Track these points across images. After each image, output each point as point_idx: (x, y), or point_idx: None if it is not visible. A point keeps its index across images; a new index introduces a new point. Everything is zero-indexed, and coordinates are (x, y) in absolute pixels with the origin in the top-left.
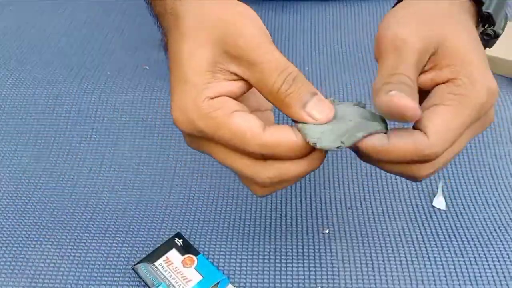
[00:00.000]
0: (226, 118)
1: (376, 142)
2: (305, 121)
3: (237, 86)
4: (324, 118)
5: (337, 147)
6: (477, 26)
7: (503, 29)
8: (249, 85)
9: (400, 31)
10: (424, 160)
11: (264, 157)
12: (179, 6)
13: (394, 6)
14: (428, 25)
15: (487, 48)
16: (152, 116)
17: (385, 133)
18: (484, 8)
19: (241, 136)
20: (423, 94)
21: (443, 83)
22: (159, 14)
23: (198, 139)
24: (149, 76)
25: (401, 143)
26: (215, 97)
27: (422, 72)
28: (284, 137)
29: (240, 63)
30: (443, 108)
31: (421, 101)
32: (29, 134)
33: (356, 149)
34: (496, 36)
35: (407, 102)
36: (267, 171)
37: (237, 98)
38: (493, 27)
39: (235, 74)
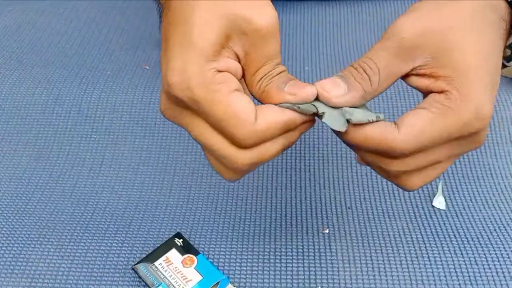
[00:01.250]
0: (227, 94)
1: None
2: (286, 100)
3: (239, 68)
4: (304, 94)
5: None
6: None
7: None
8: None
9: (401, 22)
10: (389, 152)
11: (247, 146)
12: None
13: None
14: (436, 23)
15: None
16: (152, 116)
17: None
18: None
19: (235, 118)
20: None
21: (438, 92)
22: None
23: (181, 109)
24: (149, 76)
25: (369, 130)
26: (223, 71)
27: (420, 74)
28: (274, 120)
29: (248, 49)
30: (426, 113)
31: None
32: (29, 134)
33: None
34: None
35: (320, 89)
36: (246, 155)
37: (240, 78)
38: None
39: (237, 56)
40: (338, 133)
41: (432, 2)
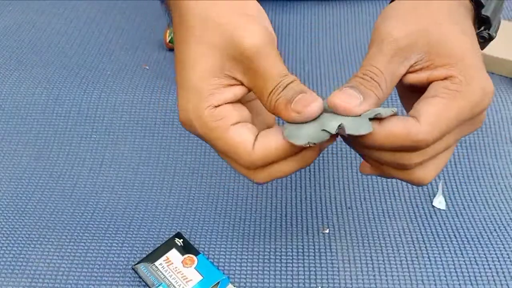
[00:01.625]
0: (224, 131)
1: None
2: (291, 118)
3: (239, 89)
4: (308, 113)
5: (306, 143)
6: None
7: (496, 32)
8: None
9: (388, 24)
10: (415, 146)
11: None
12: (183, 1)
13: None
14: (422, 21)
15: (485, 49)
16: (152, 116)
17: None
18: (483, 11)
19: (234, 151)
20: (421, 90)
21: (441, 79)
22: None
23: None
24: (149, 76)
25: (393, 127)
26: (219, 105)
27: (416, 70)
28: (272, 145)
29: (244, 71)
30: (438, 99)
31: (417, 98)
32: (29, 134)
33: (344, 136)
34: (490, 39)
35: (339, 101)
36: (260, 174)
37: (239, 99)
38: (489, 30)
39: (237, 79)
40: (356, 140)
41: (409, 4)
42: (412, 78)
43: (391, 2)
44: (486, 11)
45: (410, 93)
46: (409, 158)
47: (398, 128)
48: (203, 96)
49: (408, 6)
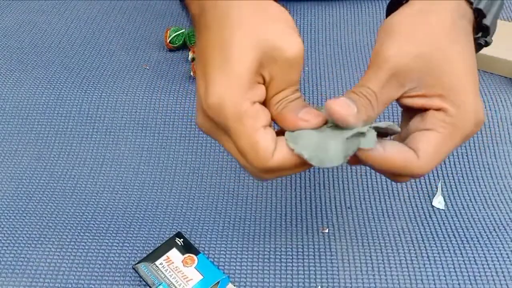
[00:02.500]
0: (254, 130)
1: (374, 151)
2: (299, 125)
3: (264, 89)
4: (315, 122)
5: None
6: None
7: (492, 37)
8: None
9: (386, 48)
10: (411, 176)
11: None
12: None
13: (390, 9)
14: (420, 44)
15: (485, 49)
16: (153, 116)
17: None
18: (484, 21)
19: (256, 154)
20: (416, 111)
21: (435, 109)
22: None
23: (217, 129)
24: (149, 76)
25: (394, 157)
26: (255, 102)
27: (411, 96)
28: (290, 157)
29: (274, 71)
30: (435, 134)
31: (411, 117)
32: (30, 134)
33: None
34: (487, 45)
35: (338, 107)
36: (269, 176)
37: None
38: (486, 37)
39: (264, 79)
40: (360, 155)
41: (409, 21)
42: (408, 102)
43: (388, 12)
44: (487, 21)
45: (407, 107)
46: (400, 178)
47: (399, 159)
48: (245, 87)
49: (409, 22)
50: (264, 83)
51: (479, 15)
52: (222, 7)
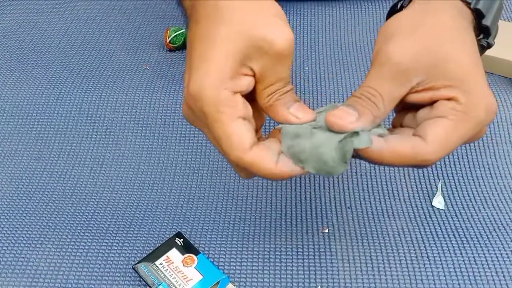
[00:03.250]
0: (230, 119)
1: (375, 145)
2: (290, 121)
3: (251, 81)
4: (305, 118)
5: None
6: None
7: (494, 39)
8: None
9: (389, 46)
10: (419, 165)
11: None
12: None
13: (390, 15)
14: (423, 41)
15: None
16: (153, 116)
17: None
18: (483, 21)
19: (228, 141)
20: (421, 105)
21: (445, 99)
22: None
23: (198, 118)
24: (149, 76)
25: (401, 147)
26: (236, 93)
27: (418, 90)
28: (263, 162)
29: (263, 63)
30: (446, 121)
31: (413, 108)
32: (30, 134)
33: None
34: (489, 46)
35: (338, 119)
36: (244, 174)
37: (248, 92)
38: (487, 38)
39: (253, 71)
40: (362, 156)
41: (409, 20)
42: (416, 98)
43: (389, 14)
44: (486, 21)
45: (405, 104)
46: (419, 165)
47: (406, 148)
48: (226, 76)
49: (409, 22)
50: (254, 76)
51: (478, 15)
52: (212, 1)
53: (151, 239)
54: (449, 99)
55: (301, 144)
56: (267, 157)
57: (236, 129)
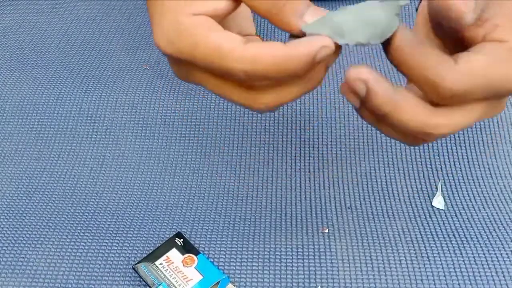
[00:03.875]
0: (205, 34)
1: (406, 37)
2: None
3: (224, 4)
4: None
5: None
6: None
7: None
8: (235, 5)
9: None
10: (439, 88)
11: (250, 77)
12: None
13: None
14: None
15: None
16: (153, 116)
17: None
18: None
19: (218, 51)
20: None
21: (496, 42)
22: None
23: (185, 66)
24: (149, 76)
25: (427, 51)
26: (199, 14)
27: (479, 24)
28: (267, 47)
29: None
30: (487, 53)
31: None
32: (30, 134)
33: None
34: None
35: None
36: (265, 96)
37: (221, 18)
38: None
39: None
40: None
41: None
42: (469, 34)
43: None
44: None
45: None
46: (430, 89)
47: (433, 58)
48: (181, 6)
49: None
50: None
51: None
52: None
53: (151, 239)
54: (499, 41)
55: (339, 15)
56: (272, 43)
57: (217, 35)
